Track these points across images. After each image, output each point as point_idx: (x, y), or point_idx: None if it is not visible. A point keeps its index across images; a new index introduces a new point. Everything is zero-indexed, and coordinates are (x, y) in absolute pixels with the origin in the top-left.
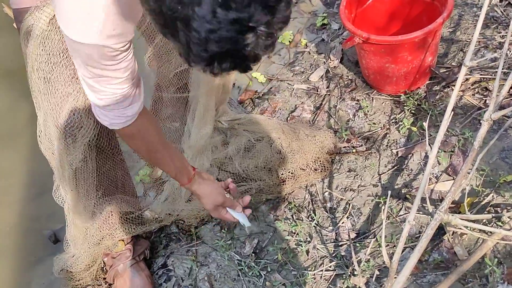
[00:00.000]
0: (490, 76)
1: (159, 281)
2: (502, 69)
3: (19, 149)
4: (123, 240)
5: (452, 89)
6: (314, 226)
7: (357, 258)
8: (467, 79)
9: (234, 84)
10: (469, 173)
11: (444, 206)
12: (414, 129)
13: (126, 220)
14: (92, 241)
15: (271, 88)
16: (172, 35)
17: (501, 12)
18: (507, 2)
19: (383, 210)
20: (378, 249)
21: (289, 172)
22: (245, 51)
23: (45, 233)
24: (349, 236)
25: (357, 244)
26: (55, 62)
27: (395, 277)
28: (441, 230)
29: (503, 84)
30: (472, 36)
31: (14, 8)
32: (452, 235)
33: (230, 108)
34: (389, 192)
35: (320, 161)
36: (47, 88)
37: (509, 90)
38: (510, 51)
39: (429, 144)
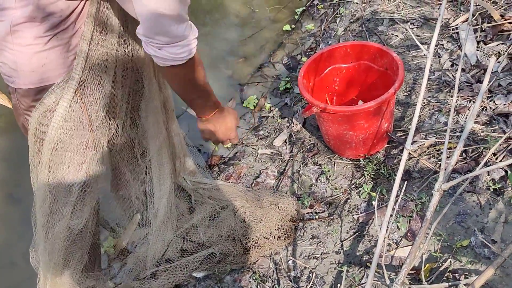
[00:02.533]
0: (444, 140)
1: None
2: (455, 132)
3: None
4: None
5: (409, 153)
6: None
7: None
8: (422, 143)
9: (200, 149)
10: (426, 238)
11: (400, 279)
12: (374, 194)
13: None
14: None
15: (236, 153)
16: None
17: (453, 76)
18: (458, 66)
19: (340, 285)
20: None
21: (253, 241)
22: None
23: None
24: None
25: None
26: (74, 134)
27: None
28: None
29: (455, 148)
30: (425, 104)
31: (23, 88)
32: None
33: (198, 169)
34: (345, 267)
35: (283, 228)
36: (63, 158)
37: (463, 153)
38: (463, 115)
39: (379, 223)
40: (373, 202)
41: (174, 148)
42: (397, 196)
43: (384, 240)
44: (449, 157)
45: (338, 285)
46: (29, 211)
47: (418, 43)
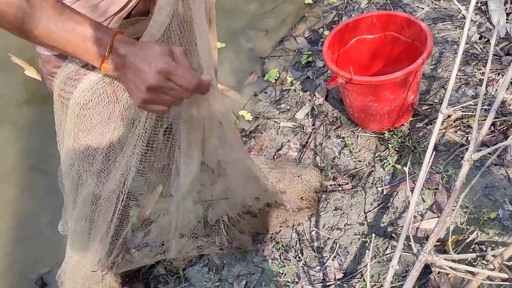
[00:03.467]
0: (471, 113)
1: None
2: (483, 105)
3: (4, 191)
4: (120, 283)
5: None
6: (301, 266)
7: None
8: (449, 116)
9: (221, 122)
10: (453, 210)
11: (428, 247)
12: (399, 166)
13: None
14: (94, 280)
15: (257, 126)
16: None
17: (481, 49)
18: (486, 39)
19: (367, 253)
20: None
21: (276, 212)
22: None
23: (31, 277)
24: (335, 277)
25: (344, 285)
26: (97, 104)
27: None
28: (427, 269)
29: (485, 120)
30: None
31: (45, 54)
32: (438, 274)
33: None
34: (373, 234)
35: (306, 200)
36: (86, 126)
37: (491, 126)
38: (492, 88)
39: (410, 189)
40: (398, 175)
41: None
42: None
43: (414, 207)
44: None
45: (367, 251)
46: (55, 182)
47: (455, 1)
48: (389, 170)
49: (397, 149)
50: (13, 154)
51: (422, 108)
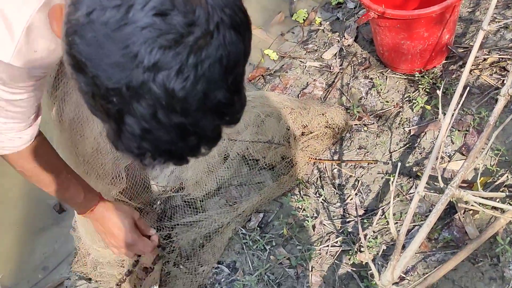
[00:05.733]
0: (508, 56)
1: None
2: None
3: None
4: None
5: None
6: (321, 202)
7: (364, 234)
8: (484, 59)
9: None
10: (484, 149)
11: (456, 182)
12: (428, 107)
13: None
14: None
15: (283, 65)
16: (101, 118)
17: None
18: None
19: (390, 192)
20: (385, 226)
21: (299, 148)
22: (183, 152)
23: (50, 203)
24: (356, 212)
25: (365, 221)
26: None
27: (402, 251)
28: (452, 209)
29: None
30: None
31: None
32: (463, 213)
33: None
34: (399, 165)
35: (330, 137)
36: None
37: None
38: None
39: (442, 112)
40: (427, 116)
41: None
42: (457, 103)
43: (445, 131)
44: None
45: (390, 188)
46: None
47: None
48: (417, 111)
49: (427, 90)
50: None
51: (457, 50)
